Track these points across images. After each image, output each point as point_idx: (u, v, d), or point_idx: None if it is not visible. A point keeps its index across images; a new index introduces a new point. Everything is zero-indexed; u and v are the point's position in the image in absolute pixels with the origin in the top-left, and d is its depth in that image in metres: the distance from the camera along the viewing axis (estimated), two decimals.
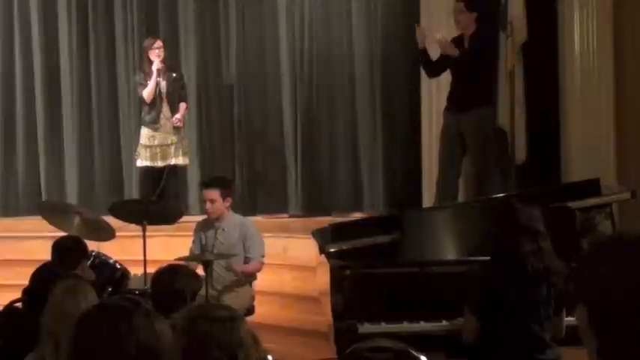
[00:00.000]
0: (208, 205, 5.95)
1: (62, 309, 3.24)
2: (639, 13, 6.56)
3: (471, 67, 6.65)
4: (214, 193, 5.94)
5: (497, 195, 5.69)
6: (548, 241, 3.97)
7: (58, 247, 4.96)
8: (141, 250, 5.88)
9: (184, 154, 8.36)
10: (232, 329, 2.38)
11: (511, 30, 6.40)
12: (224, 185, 6.10)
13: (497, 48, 6.54)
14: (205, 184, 6.16)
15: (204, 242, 6.04)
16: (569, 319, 4.22)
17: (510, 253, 3.96)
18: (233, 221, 6.07)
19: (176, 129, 8.23)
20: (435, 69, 6.97)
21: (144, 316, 2.19)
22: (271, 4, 8.88)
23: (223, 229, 6.00)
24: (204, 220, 6.23)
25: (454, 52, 6.67)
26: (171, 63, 8.42)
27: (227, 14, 9.03)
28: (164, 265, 4.37)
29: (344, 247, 4.63)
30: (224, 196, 5.97)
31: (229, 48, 9.02)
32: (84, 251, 5.08)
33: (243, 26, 8.95)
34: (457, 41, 6.89)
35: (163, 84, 8.19)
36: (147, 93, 8.13)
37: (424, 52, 6.90)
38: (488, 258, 4.13)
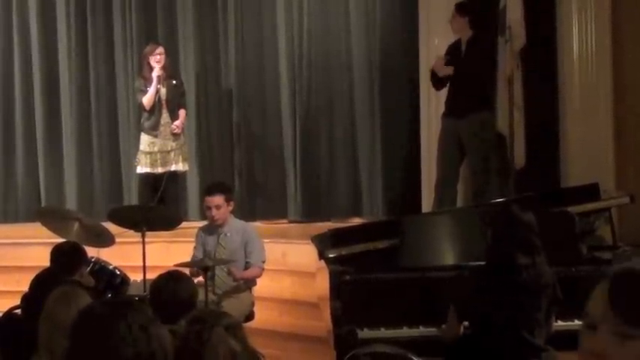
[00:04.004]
0: (214, 212, 5.94)
1: (54, 318, 3.23)
2: (638, 16, 6.57)
3: (469, 72, 6.66)
4: (219, 199, 5.95)
5: (497, 200, 5.69)
6: (542, 254, 3.97)
7: (57, 253, 4.94)
8: (140, 256, 5.86)
9: (184, 160, 8.35)
10: (208, 337, 2.41)
11: (510, 35, 6.40)
12: (227, 190, 6.12)
13: (496, 53, 6.55)
14: (209, 191, 6.09)
15: (206, 248, 6.03)
16: (568, 324, 4.23)
17: (505, 264, 3.95)
18: (235, 226, 6.07)
19: (176, 135, 8.22)
20: (441, 84, 6.98)
21: (141, 320, 2.19)
22: (270, 12, 8.88)
23: (226, 234, 6.00)
24: (206, 226, 6.22)
25: (444, 71, 6.73)
26: (171, 70, 8.41)
27: (226, 21, 9.02)
28: (163, 272, 4.35)
29: (343, 253, 4.63)
30: (228, 201, 6.00)
31: (228, 55, 9.02)
32: (83, 257, 5.07)
33: (242, 33, 8.95)
34: (454, 46, 6.91)
35: (163, 91, 8.18)
36: (147, 99, 8.12)
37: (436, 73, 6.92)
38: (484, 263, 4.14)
